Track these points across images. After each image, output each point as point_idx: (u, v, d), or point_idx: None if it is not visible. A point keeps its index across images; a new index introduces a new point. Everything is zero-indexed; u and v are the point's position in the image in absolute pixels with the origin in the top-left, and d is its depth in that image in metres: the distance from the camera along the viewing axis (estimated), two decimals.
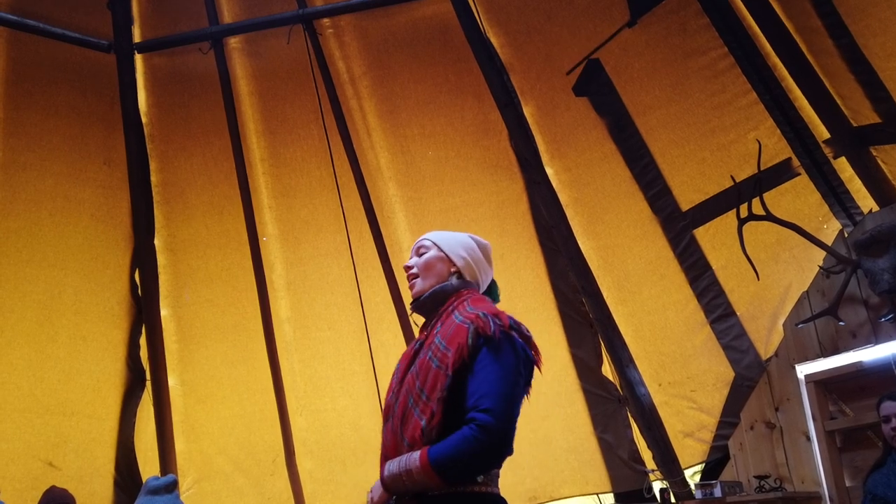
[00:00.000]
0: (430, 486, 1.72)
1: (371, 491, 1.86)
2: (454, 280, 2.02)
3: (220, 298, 5.47)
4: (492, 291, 2.16)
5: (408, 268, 2.08)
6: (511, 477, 4.82)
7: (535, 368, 1.87)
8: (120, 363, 5.30)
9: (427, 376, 1.81)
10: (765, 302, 4.66)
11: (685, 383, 4.90)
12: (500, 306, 2.06)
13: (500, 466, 1.80)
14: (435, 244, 2.08)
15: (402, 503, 1.78)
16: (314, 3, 5.41)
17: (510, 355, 1.78)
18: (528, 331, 1.86)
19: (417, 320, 2.10)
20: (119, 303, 5.34)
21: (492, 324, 1.79)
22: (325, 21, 5.39)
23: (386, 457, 1.86)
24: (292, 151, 5.50)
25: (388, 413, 1.92)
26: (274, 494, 5.31)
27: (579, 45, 5.05)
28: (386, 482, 1.79)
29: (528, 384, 1.85)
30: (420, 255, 2.08)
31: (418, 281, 2.04)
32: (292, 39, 5.32)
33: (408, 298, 5.21)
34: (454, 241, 2.09)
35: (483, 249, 2.12)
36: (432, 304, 2.00)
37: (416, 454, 1.73)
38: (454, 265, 2.04)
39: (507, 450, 1.72)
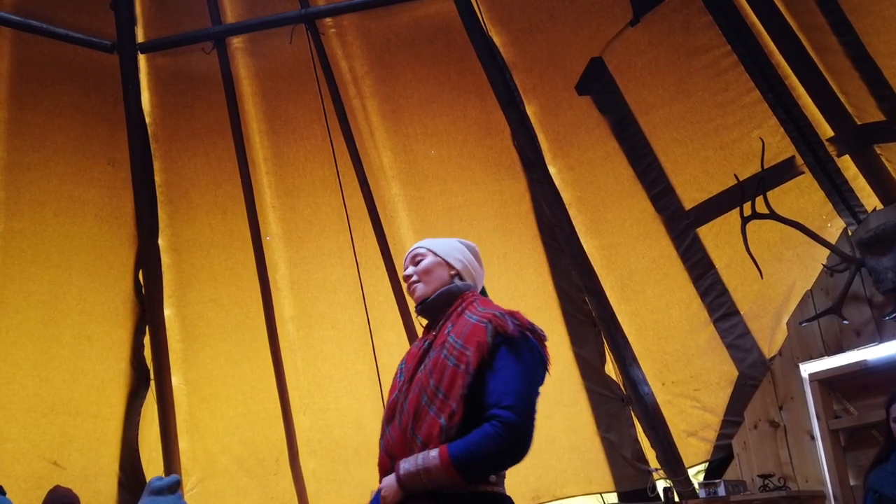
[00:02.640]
0: (448, 484, 1.71)
1: (381, 489, 1.81)
2: (458, 282, 2.05)
3: (224, 298, 5.49)
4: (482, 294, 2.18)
5: (407, 277, 2.08)
6: (514, 476, 4.77)
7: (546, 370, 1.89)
8: (124, 363, 5.32)
9: (443, 374, 1.81)
10: (768, 301, 4.64)
11: (689, 382, 4.89)
12: (502, 305, 2.08)
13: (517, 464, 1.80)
14: (430, 251, 2.09)
15: (414, 503, 1.75)
16: (316, 3, 5.41)
17: (528, 354, 1.81)
18: (542, 332, 1.88)
19: (421, 321, 2.11)
20: (123, 302, 5.36)
21: (510, 323, 1.82)
22: (328, 21, 5.39)
23: (390, 455, 1.85)
24: (295, 151, 5.50)
25: (392, 411, 1.91)
26: (277, 494, 5.32)
27: (582, 43, 5.04)
28: (403, 480, 1.74)
29: (540, 384, 1.86)
30: (416, 264, 2.08)
31: (420, 286, 2.04)
32: (295, 39, 5.32)
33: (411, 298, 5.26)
34: (447, 245, 2.12)
35: (473, 252, 2.15)
36: (440, 306, 2.01)
37: (434, 452, 1.72)
38: (453, 268, 2.07)
39: (528, 447, 1.74)
